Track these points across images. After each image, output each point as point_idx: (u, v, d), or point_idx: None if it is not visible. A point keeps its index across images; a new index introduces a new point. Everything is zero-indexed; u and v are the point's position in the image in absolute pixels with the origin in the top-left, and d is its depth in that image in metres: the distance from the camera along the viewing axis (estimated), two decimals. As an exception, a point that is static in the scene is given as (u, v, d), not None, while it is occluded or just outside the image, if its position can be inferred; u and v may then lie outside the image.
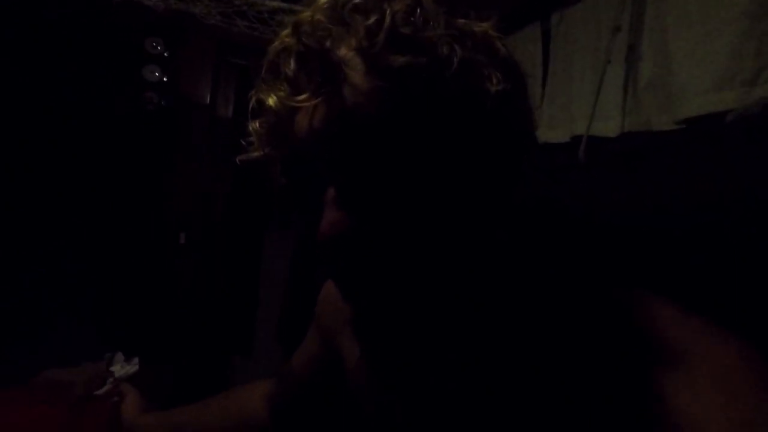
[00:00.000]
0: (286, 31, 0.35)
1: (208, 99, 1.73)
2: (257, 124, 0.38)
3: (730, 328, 0.33)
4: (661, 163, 0.99)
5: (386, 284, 0.36)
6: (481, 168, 0.35)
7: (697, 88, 0.88)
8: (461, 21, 0.34)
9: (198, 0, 1.08)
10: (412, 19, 0.32)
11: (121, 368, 0.88)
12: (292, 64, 0.34)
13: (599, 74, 1.03)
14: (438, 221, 0.34)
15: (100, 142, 1.59)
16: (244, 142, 0.40)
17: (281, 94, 0.34)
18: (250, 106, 0.38)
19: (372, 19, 0.31)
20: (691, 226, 0.91)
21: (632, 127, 1.01)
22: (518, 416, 0.36)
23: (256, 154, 0.39)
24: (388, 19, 0.31)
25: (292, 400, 0.65)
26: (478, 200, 0.36)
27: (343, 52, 0.33)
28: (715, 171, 0.88)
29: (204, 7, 1.09)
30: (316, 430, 0.64)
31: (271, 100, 0.35)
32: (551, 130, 1.23)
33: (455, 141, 0.33)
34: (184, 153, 1.69)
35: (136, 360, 0.89)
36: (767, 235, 0.79)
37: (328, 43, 0.33)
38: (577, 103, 1.13)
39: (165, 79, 1.66)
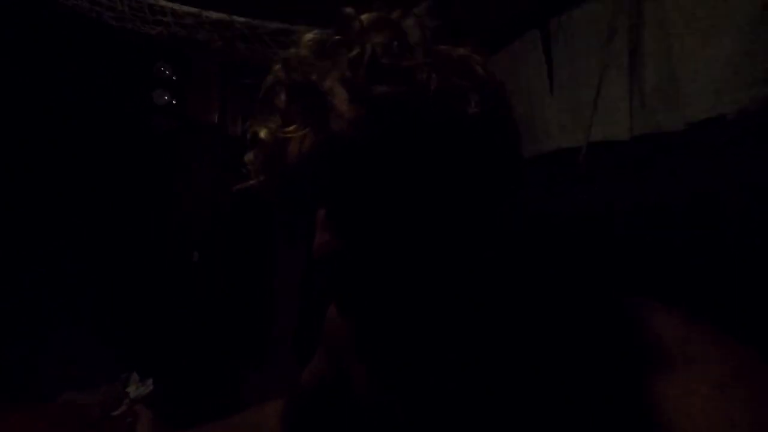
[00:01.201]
0: (277, 66, 0.37)
1: (217, 119, 1.77)
2: (252, 155, 0.40)
3: (737, 334, 0.33)
4: (667, 168, 0.98)
5: (378, 299, 0.37)
6: (466, 187, 0.36)
7: (708, 88, 0.87)
8: (441, 48, 0.36)
9: (200, 27, 1.11)
10: (390, 50, 0.34)
11: (136, 389, 0.90)
12: (283, 97, 0.36)
13: (599, 78, 1.02)
14: (425, 238, 0.35)
15: (113, 166, 1.64)
16: (244, 171, 0.42)
17: (273, 126, 0.37)
18: (247, 136, 0.40)
19: (353, 52, 0.34)
20: (696, 232, 0.89)
21: (642, 130, 1.01)
22: (518, 417, 0.37)
23: (252, 181, 0.41)
24: (368, 52, 0.33)
25: (305, 417, 0.66)
26: (463, 219, 0.36)
27: (328, 83, 0.35)
28: (718, 172, 0.87)
29: (206, 33, 1.12)
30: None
31: (264, 132, 0.38)
32: (564, 136, 1.22)
33: (437, 163, 0.34)
34: (195, 173, 1.73)
35: (150, 380, 0.91)
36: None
37: (314, 77, 0.35)
38: (588, 108, 1.12)
39: (174, 102, 1.71)
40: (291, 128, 0.35)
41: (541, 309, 0.39)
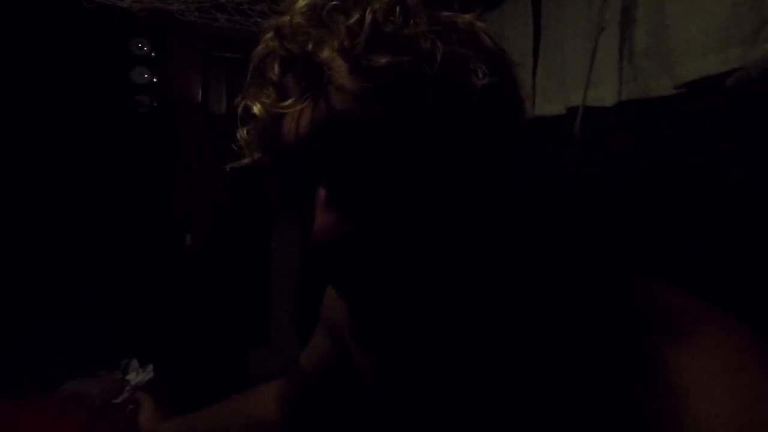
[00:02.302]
0: (268, 35, 0.35)
1: (200, 96, 1.72)
2: (245, 131, 0.38)
3: (732, 308, 0.32)
4: (658, 133, 0.96)
5: (383, 283, 0.35)
6: (472, 160, 0.34)
7: (696, 49, 0.84)
8: (445, 14, 0.34)
9: (175, -3, 1.05)
10: (392, 17, 0.31)
11: (136, 375, 0.90)
12: (277, 68, 0.34)
13: (593, 41, 0.98)
14: (432, 217, 0.34)
15: (96, 147, 1.59)
16: (234, 147, 0.39)
17: (267, 99, 0.34)
18: (239, 111, 0.37)
19: (352, 20, 0.31)
20: (689, 200, 0.88)
21: (630, 95, 0.97)
22: (519, 415, 0.36)
23: (246, 159, 0.39)
24: (368, 19, 0.31)
25: (304, 399, 0.66)
26: (470, 192, 0.35)
27: (325, 54, 0.32)
28: (716, 137, 0.85)
29: (181, 4, 1.06)
30: (329, 429, 0.65)
31: (258, 107, 0.35)
32: (546, 103, 1.19)
33: (444, 136, 0.33)
34: (181, 153, 1.69)
35: (150, 366, 0.91)
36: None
37: (310, 46, 0.32)
38: (571, 74, 1.09)
39: (155, 80, 1.65)
40: (288, 102, 0.33)
41: (543, 299, 0.37)
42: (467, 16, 0.34)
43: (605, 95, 1.01)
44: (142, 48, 1.64)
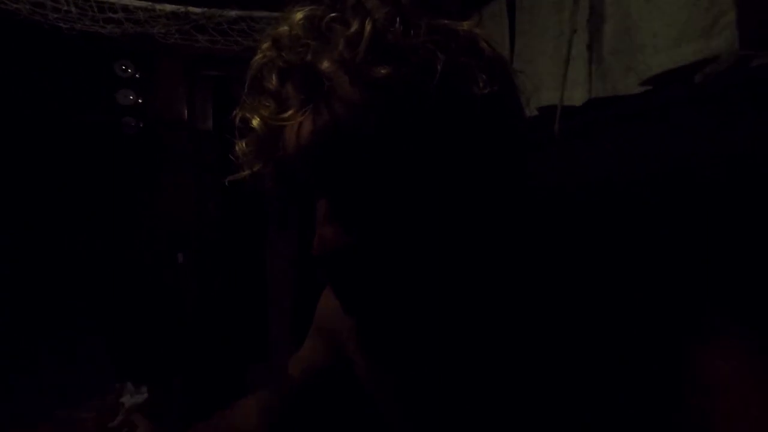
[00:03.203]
0: (266, 45, 0.34)
1: (186, 115, 1.72)
2: (244, 142, 0.37)
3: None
4: (627, 133, 0.97)
5: (386, 295, 0.35)
6: (474, 169, 0.34)
7: (659, 44, 0.86)
8: (445, 22, 0.33)
9: (155, 20, 1.06)
10: (392, 27, 0.31)
11: (130, 398, 0.89)
12: (275, 79, 0.33)
13: (566, 42, 1.01)
14: (434, 227, 0.33)
15: (84, 169, 1.59)
16: (232, 158, 0.39)
17: (266, 111, 0.34)
18: (236, 123, 0.37)
19: (351, 30, 0.31)
20: (659, 200, 0.89)
21: (598, 93, 0.99)
22: (523, 420, 0.36)
23: (244, 172, 0.38)
24: (368, 29, 0.30)
25: (290, 410, 0.65)
26: (473, 201, 0.34)
27: (325, 65, 0.32)
28: (679, 138, 0.87)
29: (162, 27, 1.07)
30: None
31: (257, 118, 0.34)
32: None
33: (446, 146, 0.33)
34: (169, 172, 1.69)
35: (144, 388, 0.90)
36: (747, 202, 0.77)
37: (309, 57, 0.32)
38: (544, 75, 1.11)
39: (140, 101, 1.66)
40: (288, 113, 0.32)
41: (549, 305, 0.37)
42: (467, 24, 0.34)
43: (575, 95, 1.03)
44: (126, 70, 1.65)
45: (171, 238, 1.68)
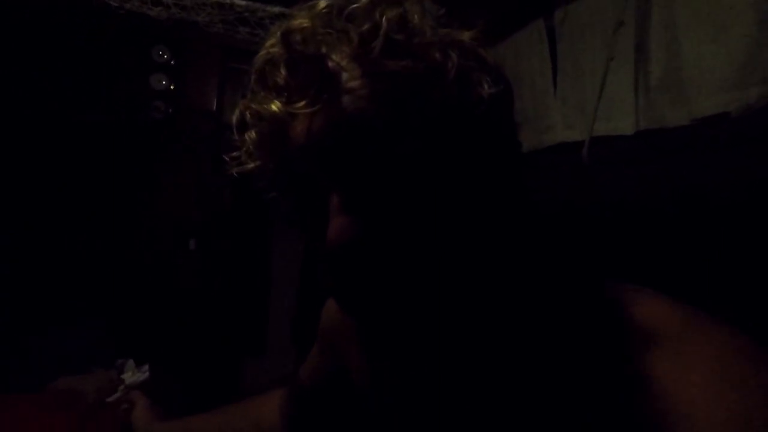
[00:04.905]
0: (271, 41, 0.35)
1: (215, 105, 1.75)
2: (252, 134, 0.37)
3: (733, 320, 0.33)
4: (671, 163, 0.98)
5: (396, 289, 0.35)
6: (480, 168, 0.35)
7: (713, 84, 0.87)
8: (448, 30, 0.35)
9: (200, 8, 1.09)
10: (405, 26, 0.32)
11: (131, 375, 0.89)
12: (283, 72, 0.34)
13: (604, 72, 1.01)
14: (444, 219, 0.34)
15: (108, 150, 1.61)
16: (237, 153, 0.39)
17: (276, 103, 0.34)
18: (238, 116, 0.37)
19: (366, 27, 0.32)
20: (693, 229, 0.89)
21: (647, 124, 1.00)
22: (520, 421, 0.36)
23: (251, 165, 0.38)
24: (384, 26, 0.31)
25: (304, 409, 0.65)
26: (479, 200, 0.36)
27: (338, 57, 0.33)
28: (720, 169, 0.87)
29: (206, 15, 1.10)
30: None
31: (268, 108, 0.34)
32: (568, 129, 1.22)
33: (455, 142, 0.34)
34: (191, 160, 1.71)
35: (146, 367, 0.90)
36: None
37: (323, 50, 0.33)
38: (591, 102, 1.11)
39: (172, 87, 1.69)
40: (300, 104, 0.33)
41: (542, 308, 0.38)
42: (467, 34, 0.36)
43: (623, 125, 1.04)
44: (162, 55, 1.68)
45: (186, 223, 1.69)
